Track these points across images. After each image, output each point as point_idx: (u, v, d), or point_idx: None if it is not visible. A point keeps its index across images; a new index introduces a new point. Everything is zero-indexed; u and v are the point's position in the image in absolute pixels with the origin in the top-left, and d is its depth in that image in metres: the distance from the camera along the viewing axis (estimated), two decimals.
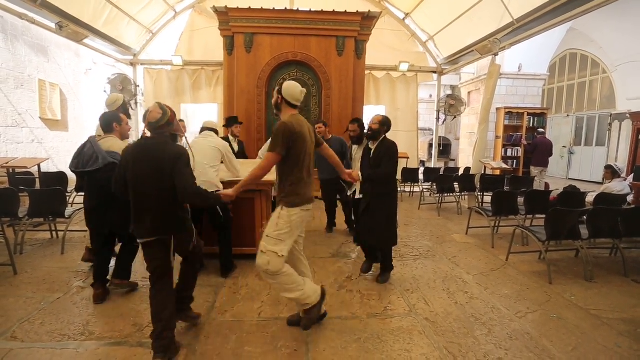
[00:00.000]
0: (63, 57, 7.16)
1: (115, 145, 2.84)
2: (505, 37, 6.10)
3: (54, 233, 4.47)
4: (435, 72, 8.84)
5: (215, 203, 2.36)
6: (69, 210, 4.05)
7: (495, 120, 9.57)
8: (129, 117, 3.33)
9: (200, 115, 9.77)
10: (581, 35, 10.24)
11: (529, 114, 9.54)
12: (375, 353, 2.27)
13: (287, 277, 2.28)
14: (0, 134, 5.67)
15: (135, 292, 3.05)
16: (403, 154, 7.68)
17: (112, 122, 2.92)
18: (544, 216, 3.67)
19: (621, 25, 8.89)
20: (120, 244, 3.06)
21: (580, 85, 11.33)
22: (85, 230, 4.46)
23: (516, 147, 9.62)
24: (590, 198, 4.78)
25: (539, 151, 7.94)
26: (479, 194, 6.43)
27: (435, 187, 6.76)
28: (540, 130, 8.88)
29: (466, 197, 6.75)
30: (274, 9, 6.83)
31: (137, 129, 8.04)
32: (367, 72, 7.95)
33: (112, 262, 3.09)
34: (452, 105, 8.37)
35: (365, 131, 3.58)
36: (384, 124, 3.27)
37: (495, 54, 6.29)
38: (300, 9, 7.06)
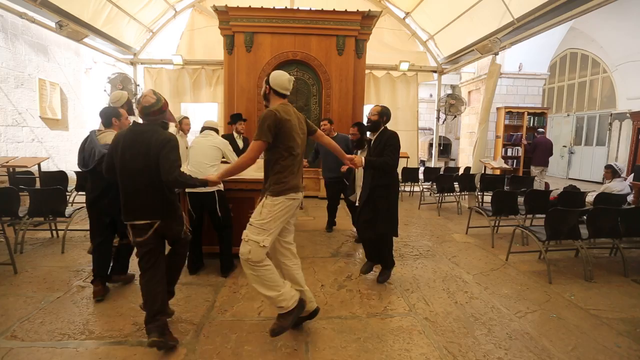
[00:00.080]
0: (63, 56, 7.16)
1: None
2: (505, 37, 6.10)
3: (54, 232, 4.47)
4: (435, 72, 8.84)
5: (199, 186, 2.38)
6: (69, 210, 4.06)
7: (495, 119, 9.57)
8: (132, 113, 3.34)
9: (200, 114, 9.79)
10: (582, 35, 10.23)
11: (529, 114, 9.52)
12: (374, 352, 2.27)
13: (267, 272, 2.21)
14: (0, 133, 5.68)
15: (135, 290, 3.05)
16: (403, 154, 7.69)
17: (111, 116, 2.95)
18: (543, 216, 3.66)
19: (622, 25, 8.88)
20: (118, 240, 3.09)
21: (580, 85, 11.32)
22: (86, 230, 4.49)
23: (516, 147, 9.61)
24: (590, 198, 4.78)
25: (539, 151, 7.94)
26: (479, 193, 6.43)
27: (435, 186, 6.76)
28: (540, 130, 8.88)
29: (466, 196, 6.76)
30: (274, 8, 6.84)
31: None
32: (367, 71, 7.96)
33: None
34: (452, 104, 8.37)
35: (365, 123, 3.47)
36: (383, 114, 3.15)
37: (496, 54, 6.29)
38: (300, 8, 7.06)
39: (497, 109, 9.52)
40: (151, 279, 2.26)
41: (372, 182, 3.13)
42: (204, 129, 3.55)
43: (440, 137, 10.58)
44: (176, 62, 7.91)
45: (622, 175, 4.81)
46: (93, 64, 8.12)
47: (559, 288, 3.31)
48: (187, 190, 3.22)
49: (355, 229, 4.85)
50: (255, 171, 3.44)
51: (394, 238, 3.36)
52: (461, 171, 7.24)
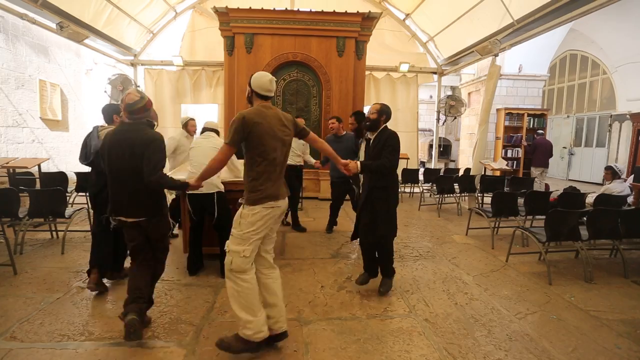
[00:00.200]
0: (64, 58, 7.18)
1: None
2: (505, 38, 6.11)
3: (54, 233, 4.47)
4: (435, 73, 8.85)
5: (179, 189, 2.45)
6: (69, 211, 4.06)
7: (495, 121, 9.58)
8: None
9: (200, 115, 9.79)
10: (581, 36, 10.24)
11: (529, 115, 9.53)
12: (374, 354, 2.27)
13: (247, 289, 2.08)
14: (0, 134, 5.68)
15: None
16: (403, 155, 7.69)
17: (112, 113, 3.02)
18: (543, 217, 3.67)
19: (621, 26, 8.90)
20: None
21: (580, 86, 11.33)
22: (86, 231, 4.51)
23: (516, 148, 9.62)
24: (590, 199, 4.78)
25: (539, 152, 7.95)
26: (479, 194, 6.43)
27: (435, 187, 6.76)
28: (540, 131, 8.89)
29: (466, 198, 6.75)
30: (274, 9, 6.85)
31: None
32: (367, 72, 7.97)
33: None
34: (452, 106, 8.38)
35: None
36: (382, 112, 2.99)
37: (496, 55, 6.30)
38: (300, 10, 7.08)
39: (497, 110, 9.53)
40: (139, 273, 2.35)
41: (370, 183, 3.01)
42: (204, 130, 3.55)
43: (440, 138, 10.57)
44: (176, 63, 7.93)
45: (622, 177, 4.81)
46: (94, 65, 8.13)
47: (559, 289, 3.30)
48: (187, 191, 3.22)
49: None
50: None
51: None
52: (461, 172, 7.23)
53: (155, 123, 2.56)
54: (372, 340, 2.42)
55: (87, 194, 5.37)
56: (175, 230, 4.52)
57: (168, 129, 8.05)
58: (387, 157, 2.87)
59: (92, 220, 3.08)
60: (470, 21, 6.88)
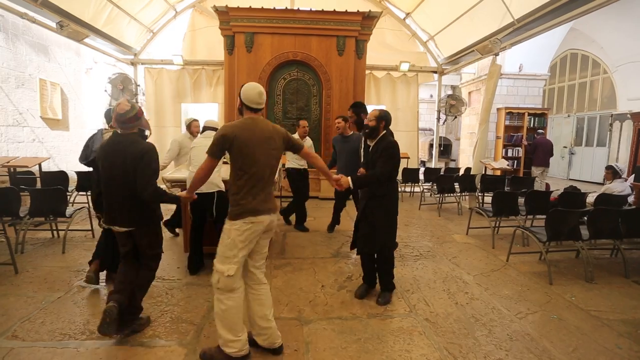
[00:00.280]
0: (64, 57, 7.17)
1: None
2: (506, 37, 6.10)
3: (54, 232, 4.47)
4: (435, 72, 8.84)
5: (173, 202, 2.51)
6: (69, 210, 4.06)
7: (495, 120, 9.57)
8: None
9: (200, 114, 9.77)
10: (582, 36, 10.23)
11: (529, 114, 9.53)
12: (375, 353, 2.27)
13: (233, 309, 2.04)
14: (1, 133, 5.68)
15: None
16: (403, 154, 7.67)
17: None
18: (544, 217, 3.67)
19: (622, 26, 8.89)
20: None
21: (581, 86, 11.32)
22: (87, 230, 4.51)
23: (517, 148, 9.62)
24: (590, 199, 4.78)
25: (540, 151, 7.95)
26: (480, 194, 6.42)
27: (435, 187, 6.76)
28: (540, 130, 8.89)
29: (467, 197, 6.75)
30: (274, 8, 6.84)
31: None
32: (367, 71, 7.95)
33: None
34: (452, 105, 8.37)
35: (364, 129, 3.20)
36: (381, 118, 2.87)
37: (496, 54, 6.29)
38: (300, 9, 7.06)
39: (498, 109, 9.53)
40: (126, 272, 2.41)
41: (368, 192, 2.92)
42: (205, 129, 3.55)
43: (440, 137, 10.58)
44: (176, 62, 7.92)
45: (622, 176, 4.82)
46: (94, 64, 8.12)
47: (560, 289, 3.30)
48: (180, 203, 3.23)
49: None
50: None
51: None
52: (461, 172, 7.23)
53: (148, 131, 2.56)
54: (372, 339, 2.42)
55: (88, 194, 5.39)
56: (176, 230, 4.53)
57: (168, 128, 8.04)
58: (380, 166, 2.78)
59: (91, 219, 3.10)
60: (471, 20, 6.87)
